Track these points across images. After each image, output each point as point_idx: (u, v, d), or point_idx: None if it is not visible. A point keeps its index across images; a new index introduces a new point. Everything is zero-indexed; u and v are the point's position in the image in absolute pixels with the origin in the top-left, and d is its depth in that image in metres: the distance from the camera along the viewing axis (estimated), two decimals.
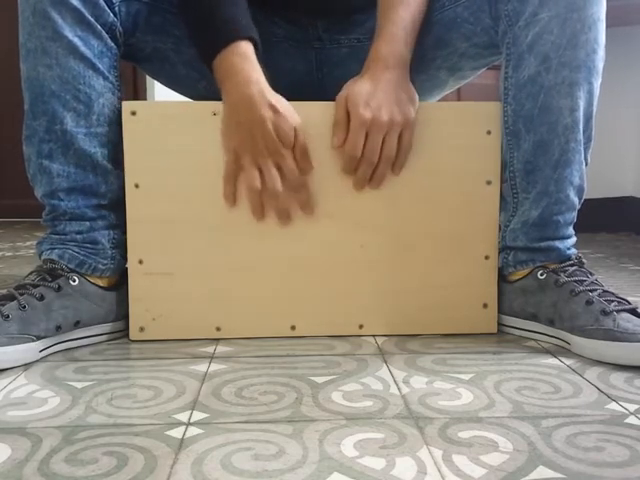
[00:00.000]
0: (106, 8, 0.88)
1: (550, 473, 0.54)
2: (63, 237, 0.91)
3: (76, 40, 0.86)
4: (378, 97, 0.87)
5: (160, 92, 1.15)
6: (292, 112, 0.87)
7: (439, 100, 1.13)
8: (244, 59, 0.86)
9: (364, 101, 0.87)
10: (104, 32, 0.88)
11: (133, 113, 0.90)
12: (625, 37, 2.02)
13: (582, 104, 0.89)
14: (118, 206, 0.94)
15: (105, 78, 0.90)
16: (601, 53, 0.89)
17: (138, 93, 2.26)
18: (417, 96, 0.91)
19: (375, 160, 0.89)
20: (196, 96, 1.05)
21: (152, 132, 0.90)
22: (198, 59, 0.91)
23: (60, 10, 0.85)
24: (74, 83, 0.87)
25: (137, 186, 0.91)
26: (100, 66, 0.89)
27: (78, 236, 0.91)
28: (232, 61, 0.86)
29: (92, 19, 0.87)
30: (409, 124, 0.89)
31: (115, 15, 0.89)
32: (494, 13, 0.92)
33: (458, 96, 2.17)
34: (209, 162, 0.90)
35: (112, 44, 0.90)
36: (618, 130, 2.13)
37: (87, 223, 0.92)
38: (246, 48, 0.87)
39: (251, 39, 0.87)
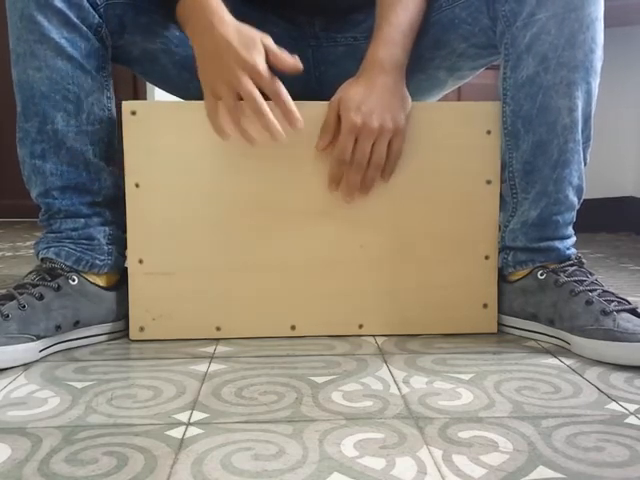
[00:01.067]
0: (91, 10, 0.88)
1: (550, 473, 0.54)
2: (59, 235, 0.92)
3: (63, 42, 0.87)
4: (370, 103, 0.87)
5: (160, 92, 1.14)
6: (253, 29, 0.85)
7: (439, 100, 1.13)
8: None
9: (356, 106, 0.86)
10: (90, 33, 0.89)
11: (133, 113, 0.90)
12: (625, 37, 2.02)
13: (581, 104, 0.89)
14: (113, 203, 0.94)
15: (93, 78, 0.90)
16: (599, 53, 0.89)
17: (138, 93, 2.26)
18: (410, 102, 0.91)
19: (364, 165, 0.89)
20: (188, 97, 1.05)
21: (152, 132, 0.90)
22: (164, 8, 0.90)
23: (46, 13, 0.85)
24: (63, 83, 0.88)
25: (137, 186, 0.91)
26: (88, 66, 0.89)
27: (73, 233, 0.92)
28: (193, 1, 0.85)
29: (77, 21, 0.87)
30: (399, 131, 0.89)
31: (100, 17, 0.90)
32: (492, 13, 0.92)
33: (458, 96, 2.17)
34: (209, 162, 0.90)
35: (99, 45, 0.90)
36: (618, 130, 2.13)
37: (82, 220, 0.92)
38: None
39: None
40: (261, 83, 0.84)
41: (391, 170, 0.91)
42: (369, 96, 0.87)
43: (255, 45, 0.84)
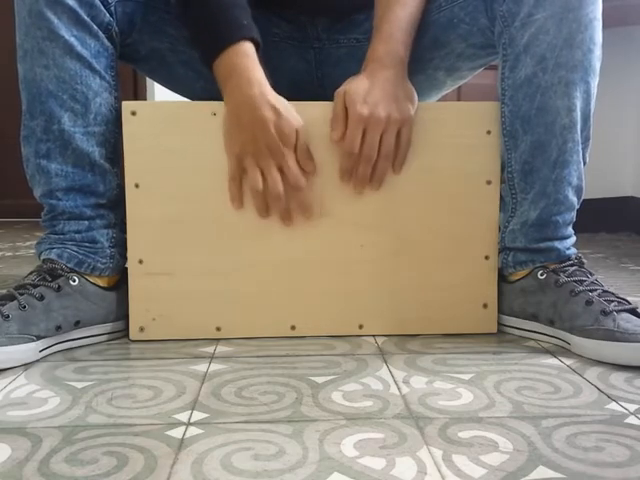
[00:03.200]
0: (102, 8, 0.88)
1: (550, 473, 0.54)
2: (62, 237, 0.91)
3: (72, 40, 0.86)
4: (375, 94, 0.87)
5: (160, 92, 1.15)
6: (293, 113, 0.87)
7: (438, 100, 1.13)
8: (246, 60, 0.86)
9: (362, 98, 0.87)
10: (100, 32, 0.89)
11: (133, 113, 0.90)
12: (625, 37, 2.02)
13: (579, 104, 0.89)
14: (116, 205, 0.94)
15: (102, 77, 0.90)
16: (598, 52, 0.88)
17: (138, 93, 2.26)
18: (416, 94, 0.91)
19: (373, 157, 0.89)
20: (194, 96, 1.05)
21: (152, 132, 0.90)
22: (199, 61, 0.91)
23: (56, 10, 0.85)
24: (71, 83, 0.87)
25: (137, 186, 0.91)
26: (97, 66, 0.89)
27: (77, 235, 0.91)
28: (234, 62, 0.86)
29: (88, 19, 0.87)
30: (407, 121, 0.89)
31: (111, 15, 0.89)
32: (490, 13, 0.92)
33: (458, 96, 2.17)
34: (209, 162, 0.90)
35: (108, 44, 0.90)
36: (618, 130, 2.12)
37: (86, 222, 0.92)
38: (248, 49, 0.87)
39: (253, 40, 0.87)
40: (285, 169, 0.87)
41: (401, 161, 0.91)
42: (373, 88, 0.87)
43: (291, 137, 0.86)
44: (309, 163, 0.89)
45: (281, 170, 0.88)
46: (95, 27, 0.88)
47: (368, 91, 0.87)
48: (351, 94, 0.87)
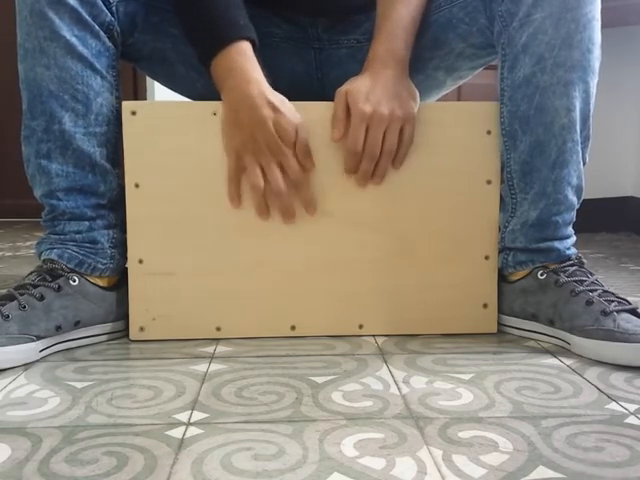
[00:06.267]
0: (104, 8, 0.88)
1: (550, 473, 0.54)
2: (62, 237, 0.91)
3: (74, 40, 0.86)
4: (377, 92, 0.87)
5: (160, 92, 1.15)
6: (292, 111, 0.87)
7: (438, 100, 1.13)
8: (244, 59, 0.86)
9: (364, 96, 0.87)
10: (102, 32, 0.89)
11: (133, 113, 0.90)
12: (625, 37, 2.02)
13: (578, 104, 0.88)
14: (117, 206, 0.94)
15: (103, 77, 0.90)
16: (597, 52, 0.88)
17: (138, 93, 2.26)
18: (418, 92, 0.91)
19: (376, 154, 0.89)
20: (195, 96, 1.05)
21: (152, 132, 0.90)
22: (196, 60, 0.92)
23: (57, 10, 0.85)
24: (72, 83, 0.87)
25: (137, 186, 0.91)
26: (98, 65, 0.89)
27: (77, 236, 0.91)
28: (232, 61, 0.86)
29: (89, 19, 0.87)
30: (410, 118, 0.89)
31: (112, 15, 0.89)
32: (489, 13, 0.92)
33: (458, 96, 2.17)
34: (209, 162, 0.90)
35: (110, 44, 0.90)
36: (618, 130, 2.12)
37: (86, 223, 0.92)
38: (246, 48, 0.87)
39: (250, 39, 0.88)
40: (286, 167, 0.87)
41: (402, 158, 0.91)
42: (375, 87, 0.87)
43: (290, 135, 0.86)
44: (309, 160, 0.89)
45: (281, 167, 0.88)
46: (96, 27, 0.88)
47: (370, 89, 0.87)
48: (353, 92, 0.87)
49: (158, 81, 1.09)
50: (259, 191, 0.89)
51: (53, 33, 0.85)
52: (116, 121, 0.92)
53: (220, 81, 0.88)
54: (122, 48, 0.94)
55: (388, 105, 0.87)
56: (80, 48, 0.87)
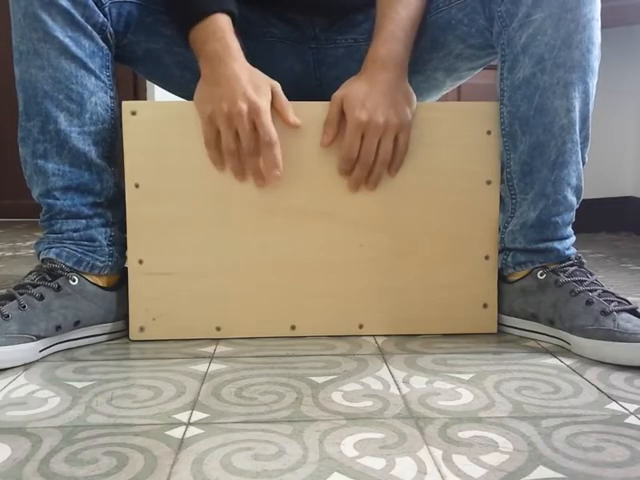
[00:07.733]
0: (96, 9, 0.89)
1: (550, 473, 0.54)
2: (60, 236, 0.91)
3: (67, 41, 0.87)
4: (374, 99, 0.87)
5: (160, 92, 1.15)
6: (266, 81, 0.87)
7: (438, 100, 1.13)
8: (223, 29, 0.87)
9: (360, 103, 0.87)
10: (95, 32, 0.89)
11: (133, 113, 0.90)
12: (624, 37, 2.02)
13: (578, 104, 0.88)
14: (114, 204, 0.94)
15: (97, 77, 0.90)
16: (596, 52, 0.88)
17: (138, 93, 2.26)
18: (415, 97, 0.91)
19: (370, 162, 0.89)
20: (190, 96, 1.04)
21: (152, 132, 0.90)
22: (177, 29, 0.92)
23: (50, 12, 0.85)
24: (66, 83, 0.88)
25: (137, 186, 0.91)
26: (92, 65, 0.89)
27: (75, 234, 0.91)
28: (210, 30, 0.87)
29: (82, 20, 0.87)
30: (405, 126, 0.89)
31: (105, 16, 0.90)
32: (488, 14, 0.91)
33: (458, 96, 2.17)
34: (209, 162, 0.90)
35: (103, 44, 0.90)
36: (618, 130, 2.13)
37: (83, 221, 0.92)
38: (225, 19, 0.88)
39: (229, 12, 0.88)
40: (259, 126, 0.85)
41: (398, 166, 0.91)
42: (372, 93, 0.87)
43: (263, 87, 0.86)
44: (288, 113, 0.88)
45: (255, 128, 0.86)
46: (89, 28, 0.88)
47: (367, 95, 0.87)
48: (350, 99, 0.87)
49: (154, 82, 1.09)
50: (233, 154, 0.88)
51: (46, 34, 0.86)
52: (111, 120, 0.92)
53: (198, 49, 0.89)
54: (117, 50, 0.94)
55: (384, 113, 0.87)
56: (73, 49, 0.87)
